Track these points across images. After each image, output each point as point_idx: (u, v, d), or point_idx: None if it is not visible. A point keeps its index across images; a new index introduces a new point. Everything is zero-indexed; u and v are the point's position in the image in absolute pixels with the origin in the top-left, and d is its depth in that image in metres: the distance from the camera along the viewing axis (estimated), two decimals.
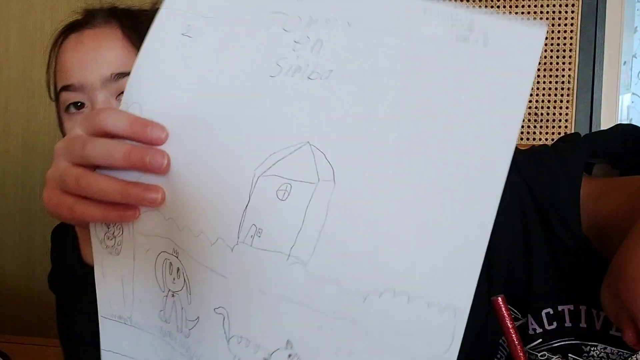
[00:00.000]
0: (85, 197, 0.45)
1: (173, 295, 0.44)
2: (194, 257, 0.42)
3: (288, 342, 0.38)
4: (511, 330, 0.51)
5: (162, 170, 0.42)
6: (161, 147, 0.43)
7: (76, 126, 0.46)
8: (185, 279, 0.43)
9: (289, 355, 0.38)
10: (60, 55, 0.82)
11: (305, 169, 0.38)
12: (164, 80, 0.45)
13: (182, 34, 0.45)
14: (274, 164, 0.39)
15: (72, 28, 0.83)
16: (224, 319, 0.41)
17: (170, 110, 0.43)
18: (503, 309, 0.51)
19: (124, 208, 0.44)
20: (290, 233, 0.38)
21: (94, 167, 0.45)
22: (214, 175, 0.41)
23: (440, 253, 0.34)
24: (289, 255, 0.38)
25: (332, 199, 0.37)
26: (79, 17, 0.84)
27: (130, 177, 0.43)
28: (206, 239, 0.41)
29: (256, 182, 0.39)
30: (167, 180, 0.42)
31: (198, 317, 0.43)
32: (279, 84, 0.40)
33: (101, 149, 0.43)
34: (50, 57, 0.84)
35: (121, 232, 0.46)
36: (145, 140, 0.43)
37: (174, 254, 0.43)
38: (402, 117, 0.37)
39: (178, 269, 0.43)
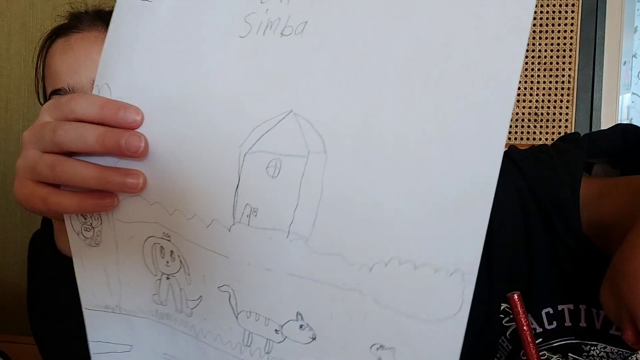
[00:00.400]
0: (59, 188, 0.43)
1: (168, 278, 0.43)
2: (190, 239, 0.40)
3: (298, 314, 0.37)
4: (525, 328, 0.51)
5: (139, 154, 0.39)
6: (137, 130, 0.40)
7: (44, 113, 0.43)
8: (182, 260, 0.42)
9: (301, 326, 0.37)
10: (49, 60, 0.82)
11: (292, 141, 0.35)
12: (128, 55, 0.41)
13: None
14: (258, 139, 0.37)
15: (58, 32, 0.82)
16: (229, 296, 0.40)
17: (139, 89, 0.40)
18: (519, 305, 0.51)
19: (101, 196, 0.42)
20: (287, 210, 0.36)
21: (68, 155, 0.42)
22: (198, 155, 0.39)
23: (443, 218, 0.32)
24: (289, 232, 0.36)
25: (325, 171, 0.35)
26: (65, 22, 0.83)
27: (108, 162, 0.41)
28: (200, 221, 0.39)
29: (243, 160, 0.37)
30: (147, 164, 0.40)
31: (201, 296, 0.41)
32: (251, 46, 0.37)
33: (73, 133, 0.40)
34: (37, 62, 0.84)
35: (100, 222, 0.44)
36: (118, 124, 0.40)
37: (165, 238, 0.42)
38: (391, 69, 0.33)
39: (172, 252, 0.42)
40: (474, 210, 0.32)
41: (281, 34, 0.36)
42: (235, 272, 0.39)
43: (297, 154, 0.35)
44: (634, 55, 1.66)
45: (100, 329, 0.47)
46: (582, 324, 0.65)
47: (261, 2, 0.37)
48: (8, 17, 1.28)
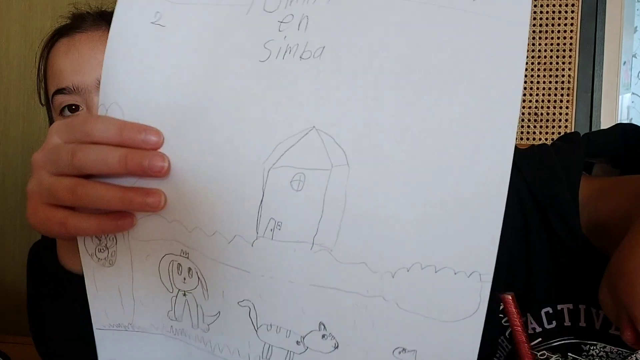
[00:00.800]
0: (75, 210, 0.42)
1: (185, 295, 0.43)
2: (210, 256, 0.41)
3: (321, 324, 0.39)
4: (519, 329, 0.50)
5: (163, 173, 0.40)
6: None
7: (53, 135, 0.42)
8: (200, 277, 0.42)
9: (323, 336, 0.39)
10: (53, 60, 0.82)
11: (316, 155, 0.37)
12: (141, 76, 0.42)
13: (152, 23, 0.42)
14: (282, 155, 0.38)
15: (61, 32, 0.82)
16: (250, 311, 0.41)
17: (155, 109, 0.41)
18: (512, 306, 0.50)
19: (119, 217, 0.41)
20: (311, 222, 0.37)
21: (84, 177, 0.42)
22: (219, 173, 0.40)
23: (460, 223, 0.35)
24: (313, 243, 0.38)
25: (348, 182, 0.36)
26: (67, 22, 0.84)
27: (125, 183, 0.41)
28: (222, 237, 0.40)
29: (267, 175, 0.38)
30: (166, 182, 0.41)
31: (219, 312, 0.42)
32: (271, 69, 0.39)
33: (94, 156, 0.40)
34: (39, 62, 0.83)
35: (114, 243, 0.44)
36: (139, 147, 0.40)
37: (183, 255, 0.42)
38: (403, 88, 0.36)
39: (189, 269, 0.42)
40: (488, 213, 0.34)
41: (300, 57, 0.38)
42: (257, 287, 0.40)
43: (320, 168, 0.37)
44: (634, 55, 1.66)
45: (111, 348, 0.47)
46: (582, 323, 0.64)
47: (279, 30, 0.39)
48: (7, 19, 1.28)
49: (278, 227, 0.38)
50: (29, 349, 0.84)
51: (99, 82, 0.77)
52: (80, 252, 0.45)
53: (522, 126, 1.51)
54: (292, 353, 0.40)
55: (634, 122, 1.57)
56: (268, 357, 0.41)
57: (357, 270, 0.37)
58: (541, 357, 0.66)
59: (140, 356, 0.47)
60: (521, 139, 1.51)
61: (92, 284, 0.46)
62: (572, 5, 1.47)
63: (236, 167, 0.39)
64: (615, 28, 1.47)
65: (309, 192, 0.37)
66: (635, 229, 0.54)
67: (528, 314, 0.66)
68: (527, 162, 0.66)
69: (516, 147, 0.70)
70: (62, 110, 0.79)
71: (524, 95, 1.51)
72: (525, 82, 1.50)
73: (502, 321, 0.69)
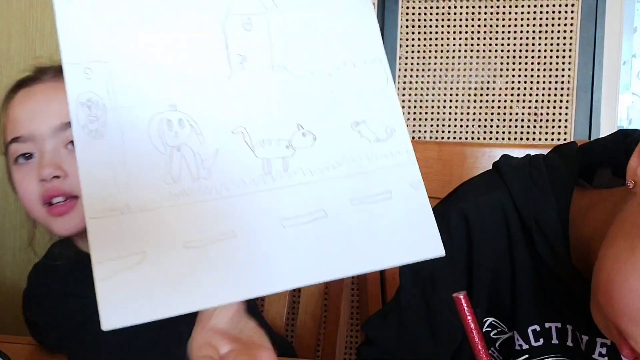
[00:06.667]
0: None
1: (179, 150, 0.46)
2: (197, 96, 0.47)
3: (298, 125, 0.49)
4: (472, 329, 0.48)
5: None
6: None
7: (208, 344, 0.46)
8: (192, 124, 0.46)
9: (303, 134, 0.49)
10: (10, 110, 0.83)
11: (255, 2, 0.51)
12: (128, 29, 0.47)
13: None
14: (231, 4, 0.50)
15: (21, 84, 0.84)
16: (243, 135, 0.48)
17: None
18: (465, 306, 0.48)
19: None
20: (266, 50, 0.49)
21: None
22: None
23: (346, 26, 0.52)
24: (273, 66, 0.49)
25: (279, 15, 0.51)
26: (30, 74, 0.85)
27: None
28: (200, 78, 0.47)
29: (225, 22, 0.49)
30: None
31: (217, 149, 0.47)
32: None
33: None
34: (0, 113, 0.84)
35: (104, 112, 0.45)
36: None
37: (171, 109, 0.46)
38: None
39: (180, 120, 0.46)
40: (362, 12, 0.52)
41: None
42: (242, 112, 0.48)
43: (260, 12, 0.50)
44: (634, 55, 1.65)
45: (106, 243, 0.43)
46: (569, 343, 0.64)
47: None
48: (8, 17, 1.27)
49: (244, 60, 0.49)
50: (29, 348, 0.84)
51: (53, 129, 0.78)
52: (70, 114, 0.45)
53: (522, 126, 1.51)
54: (286, 158, 0.48)
55: (634, 122, 1.57)
56: (269, 171, 0.47)
57: (307, 72, 0.50)
58: None
59: (140, 246, 0.44)
60: (521, 139, 1.51)
61: (85, 164, 0.44)
62: (572, 5, 1.47)
63: (197, 22, 0.48)
64: (615, 28, 1.47)
65: (258, 31, 0.49)
66: (605, 243, 0.53)
67: (514, 331, 0.66)
68: (516, 178, 0.65)
69: (509, 157, 0.70)
70: (17, 159, 0.80)
71: (524, 95, 1.50)
72: (525, 82, 1.50)
73: (491, 334, 0.68)
